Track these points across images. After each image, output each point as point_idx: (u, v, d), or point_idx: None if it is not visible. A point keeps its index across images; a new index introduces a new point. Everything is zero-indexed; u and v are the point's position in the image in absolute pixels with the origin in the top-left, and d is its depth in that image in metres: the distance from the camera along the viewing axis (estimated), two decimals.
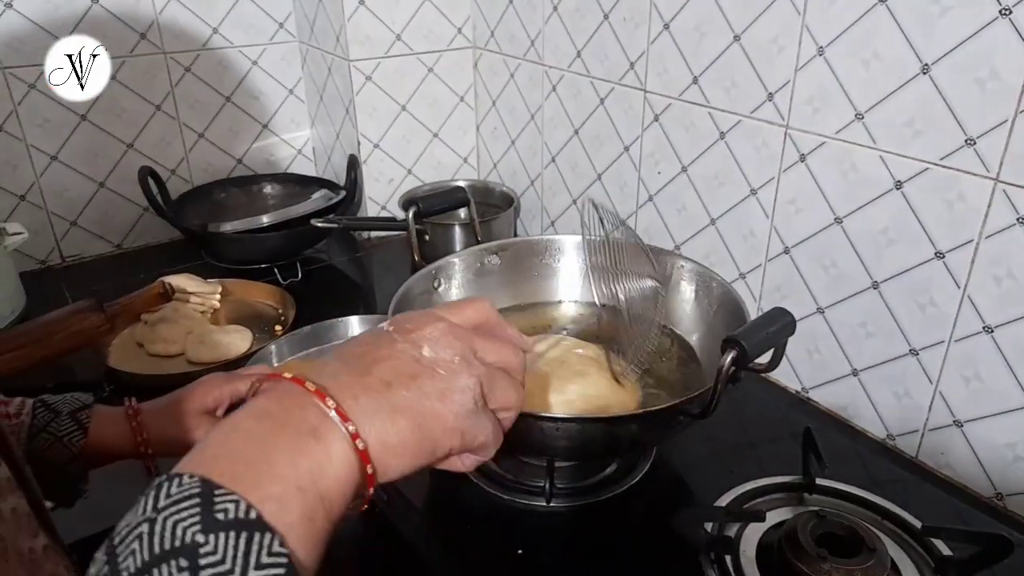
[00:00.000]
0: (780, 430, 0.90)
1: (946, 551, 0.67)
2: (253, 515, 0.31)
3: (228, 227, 1.27)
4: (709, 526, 0.70)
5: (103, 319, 0.99)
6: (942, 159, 0.76)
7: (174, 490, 0.31)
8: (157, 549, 0.29)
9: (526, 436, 0.66)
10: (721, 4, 0.93)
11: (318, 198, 1.36)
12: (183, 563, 0.29)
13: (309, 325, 1.04)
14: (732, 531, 0.70)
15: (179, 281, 1.11)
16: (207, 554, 0.29)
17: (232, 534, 0.30)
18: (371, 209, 1.43)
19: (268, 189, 1.47)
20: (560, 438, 0.65)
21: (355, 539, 0.83)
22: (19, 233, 1.15)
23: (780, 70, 0.89)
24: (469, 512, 0.76)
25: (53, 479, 0.44)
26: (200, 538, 0.30)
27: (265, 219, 1.28)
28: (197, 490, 0.31)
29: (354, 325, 1.05)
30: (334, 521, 0.36)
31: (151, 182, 1.29)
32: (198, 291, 1.13)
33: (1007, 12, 0.68)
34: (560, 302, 0.97)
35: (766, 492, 0.75)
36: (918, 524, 0.70)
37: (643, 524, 0.74)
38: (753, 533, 0.70)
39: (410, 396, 0.39)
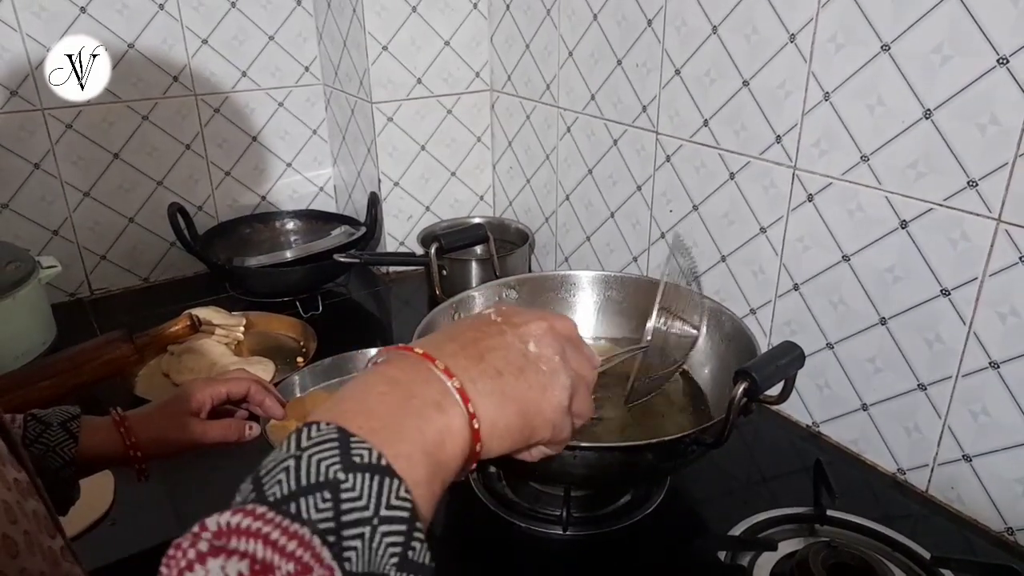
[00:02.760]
0: (791, 463, 0.92)
1: None
2: (384, 462, 0.34)
3: (253, 262, 1.31)
4: (722, 555, 0.72)
5: (132, 349, 1.03)
6: (945, 200, 0.79)
7: (314, 433, 0.34)
8: (304, 481, 0.32)
9: (545, 463, 0.68)
10: (730, 51, 0.97)
11: (339, 234, 1.40)
12: (327, 495, 0.32)
13: (330, 357, 1.07)
14: (745, 560, 0.72)
15: (205, 314, 1.14)
16: (347, 490, 0.32)
17: (367, 475, 0.33)
18: (390, 245, 1.47)
19: (291, 225, 1.52)
20: (578, 466, 0.67)
21: None
22: (53, 267, 1.20)
23: (788, 114, 0.93)
24: (488, 539, 0.78)
25: (48, 488, 0.46)
26: (341, 476, 0.32)
27: (288, 254, 1.32)
28: (335, 435, 0.34)
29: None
30: (445, 487, 0.38)
31: (179, 218, 1.34)
32: (223, 323, 1.16)
33: (1005, 61, 0.72)
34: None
35: (778, 523, 0.77)
36: (928, 555, 0.71)
37: (658, 553, 0.76)
38: (766, 562, 0.71)
39: (518, 386, 0.42)
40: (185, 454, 0.71)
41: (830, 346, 0.95)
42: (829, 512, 0.76)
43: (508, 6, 1.35)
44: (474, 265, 1.30)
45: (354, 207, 1.54)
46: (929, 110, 0.78)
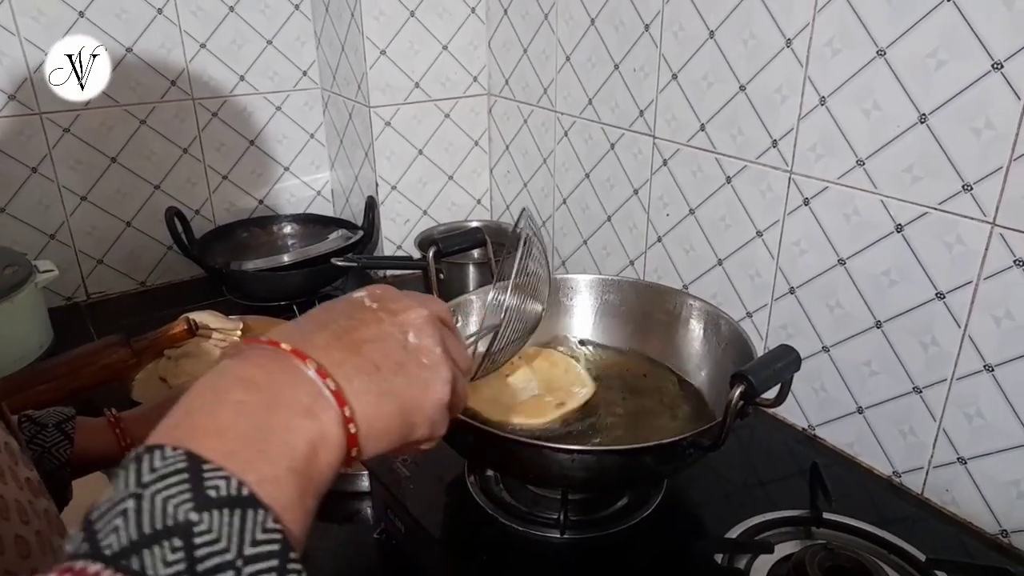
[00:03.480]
0: (788, 466, 0.92)
1: None
2: (245, 492, 0.30)
3: (250, 266, 1.31)
4: (719, 557, 0.72)
5: (130, 354, 1.03)
6: (941, 203, 0.79)
7: (158, 464, 0.30)
8: (147, 528, 0.27)
9: (542, 467, 0.68)
10: (727, 56, 0.98)
11: (337, 238, 1.40)
12: (177, 543, 0.27)
13: None
14: (742, 563, 0.72)
15: (202, 317, 1.14)
16: (202, 532, 0.28)
17: (226, 511, 0.29)
18: (387, 248, 1.47)
19: (288, 229, 1.52)
20: (576, 469, 0.67)
21: (372, 570, 0.85)
22: (50, 271, 1.20)
23: (784, 118, 0.93)
24: (485, 543, 0.78)
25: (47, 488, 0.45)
26: (194, 516, 0.28)
27: (286, 258, 1.32)
28: (183, 465, 0.30)
29: None
30: (319, 498, 0.35)
31: (177, 222, 1.34)
32: (220, 327, 1.16)
33: (999, 66, 0.72)
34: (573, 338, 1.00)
35: (775, 525, 0.77)
36: (923, 558, 0.71)
37: (655, 555, 0.76)
38: (763, 565, 0.71)
39: (397, 382, 0.39)
40: None
41: (826, 349, 0.95)
42: (825, 515, 0.76)
43: (506, 10, 1.36)
44: (471, 269, 1.30)
45: (351, 211, 1.55)
46: (924, 114, 0.79)
